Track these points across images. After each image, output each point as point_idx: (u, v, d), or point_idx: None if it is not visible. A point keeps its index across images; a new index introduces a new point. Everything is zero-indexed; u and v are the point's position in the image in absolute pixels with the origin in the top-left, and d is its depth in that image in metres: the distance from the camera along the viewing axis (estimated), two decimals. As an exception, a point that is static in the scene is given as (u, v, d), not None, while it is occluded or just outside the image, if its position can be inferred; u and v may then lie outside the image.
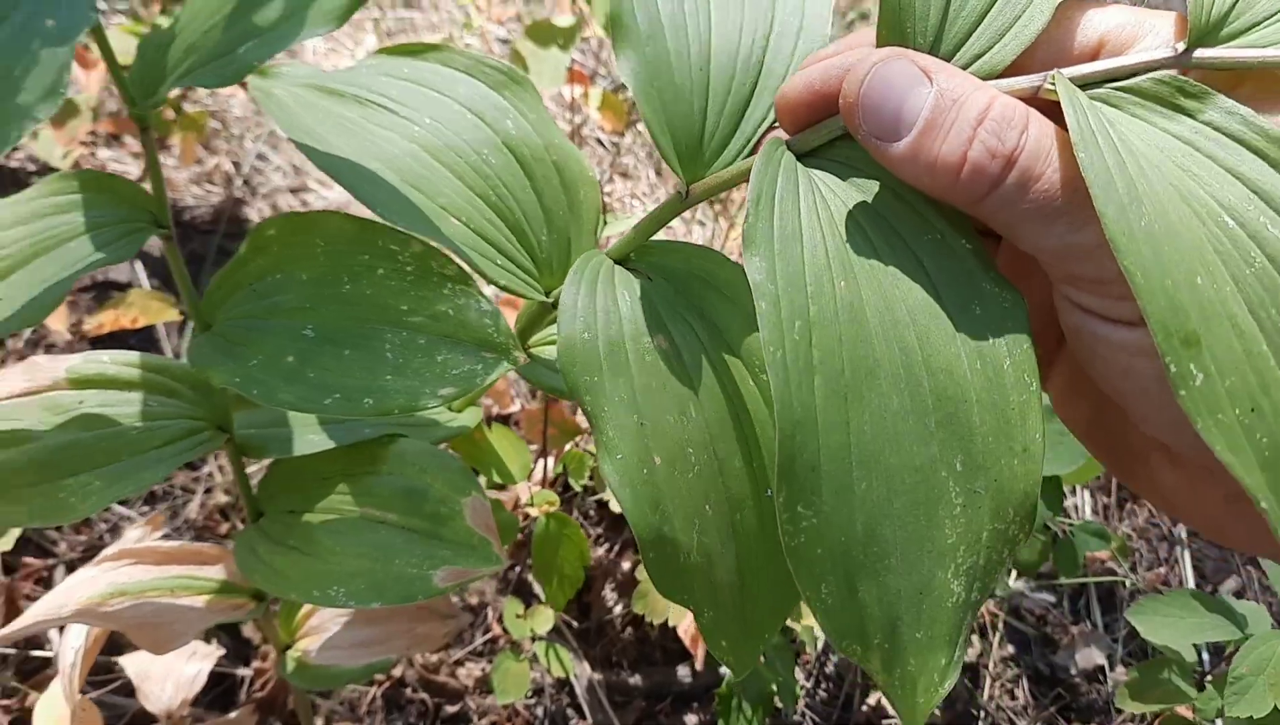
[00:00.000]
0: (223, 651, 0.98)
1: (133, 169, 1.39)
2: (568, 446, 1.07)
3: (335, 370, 0.51)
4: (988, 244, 0.35)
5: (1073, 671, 1.24)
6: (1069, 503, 1.38)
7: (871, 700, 1.16)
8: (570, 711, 1.08)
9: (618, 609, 1.14)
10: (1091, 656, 1.25)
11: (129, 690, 1.00)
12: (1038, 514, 0.32)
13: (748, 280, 0.32)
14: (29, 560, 1.05)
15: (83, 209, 0.49)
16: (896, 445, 0.32)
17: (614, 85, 1.67)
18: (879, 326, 0.32)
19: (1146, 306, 0.28)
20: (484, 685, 1.07)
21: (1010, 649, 1.25)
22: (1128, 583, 1.30)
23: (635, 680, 1.10)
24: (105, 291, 1.23)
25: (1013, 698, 1.21)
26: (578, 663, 1.09)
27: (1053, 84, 0.31)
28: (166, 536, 1.03)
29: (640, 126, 1.58)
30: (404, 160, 0.51)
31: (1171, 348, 0.28)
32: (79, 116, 1.23)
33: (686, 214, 1.52)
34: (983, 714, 1.18)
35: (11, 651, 1.01)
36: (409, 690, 1.06)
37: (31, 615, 0.64)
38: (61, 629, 1.02)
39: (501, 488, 0.99)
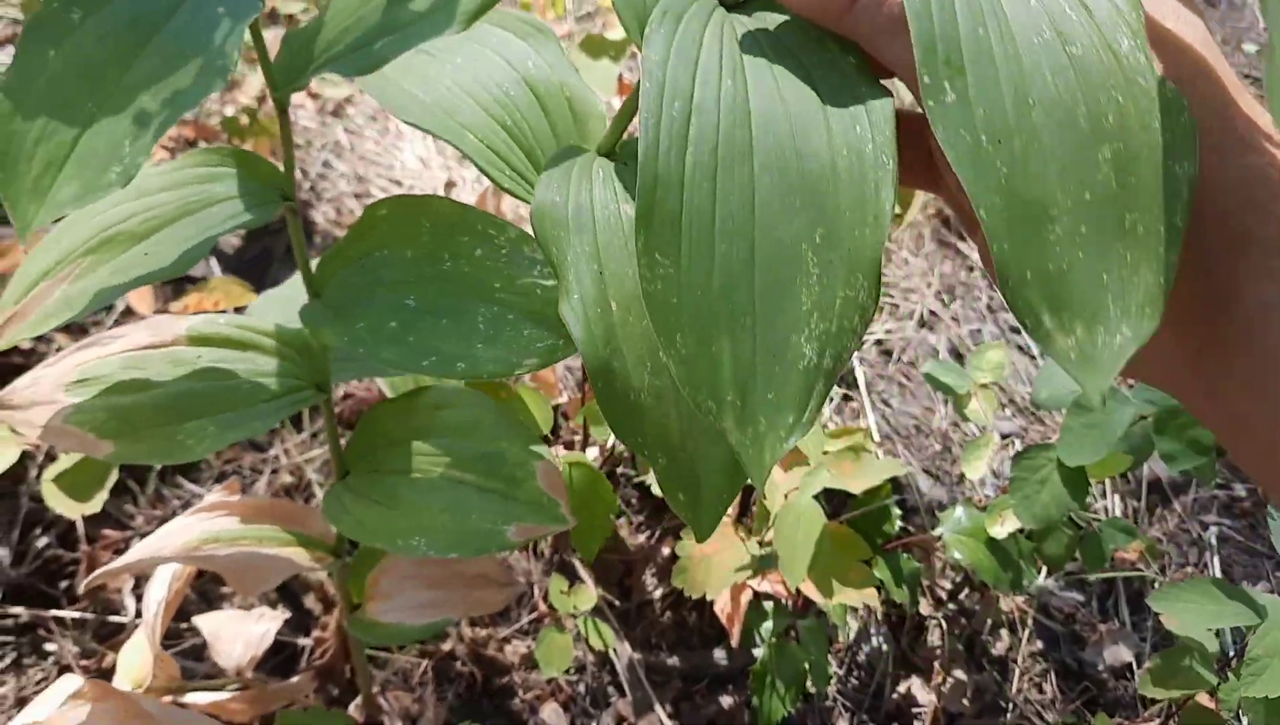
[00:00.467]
0: (288, 615, 1.04)
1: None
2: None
3: (433, 336, 0.57)
4: None
5: (1100, 668, 1.28)
6: (1098, 505, 1.42)
7: (902, 689, 1.21)
8: (611, 689, 1.13)
9: (657, 593, 1.19)
10: (1119, 654, 1.29)
11: (198, 654, 1.06)
12: (880, 287, 0.36)
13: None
14: (108, 532, 1.12)
15: (225, 179, 0.55)
16: (763, 219, 0.35)
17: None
18: (759, 118, 0.36)
19: (912, 27, 0.32)
20: (529, 662, 1.13)
21: (1039, 644, 1.29)
22: (1157, 583, 1.34)
23: (673, 661, 1.16)
24: (182, 284, 1.30)
25: (1040, 691, 1.25)
26: (618, 642, 1.14)
27: None
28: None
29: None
30: (438, 89, 0.58)
31: (931, 65, 0.31)
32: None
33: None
34: (1011, 706, 1.22)
35: (90, 617, 1.08)
36: (459, 664, 1.11)
37: (135, 553, 0.71)
38: (139, 588, 1.09)
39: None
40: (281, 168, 0.56)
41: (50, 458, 1.13)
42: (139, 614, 1.08)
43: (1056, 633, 1.31)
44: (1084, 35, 0.33)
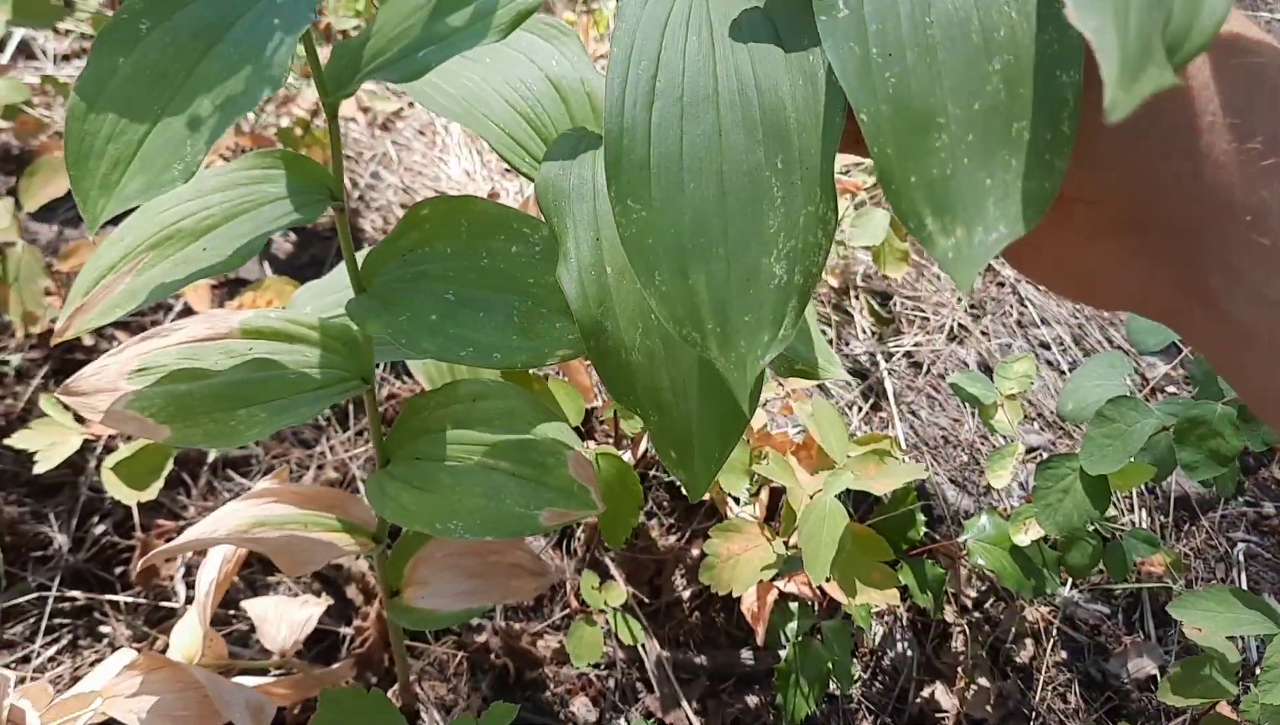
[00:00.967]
0: (330, 602, 1.08)
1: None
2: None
3: (471, 328, 0.61)
4: None
5: (1125, 679, 1.29)
6: (1124, 519, 1.43)
7: (925, 693, 1.23)
8: (639, 685, 1.17)
9: (686, 593, 1.22)
10: (1144, 666, 1.30)
11: (244, 640, 1.11)
12: (836, 198, 0.38)
13: None
14: (162, 522, 1.17)
15: (277, 180, 0.60)
16: (729, 155, 0.37)
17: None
18: (723, 65, 0.38)
19: None
20: (561, 656, 1.16)
21: (1063, 655, 1.31)
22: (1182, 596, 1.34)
23: (701, 660, 1.19)
24: (236, 287, 1.36)
25: (1064, 701, 1.27)
26: (647, 638, 1.17)
27: None
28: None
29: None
30: (465, 85, 0.62)
31: None
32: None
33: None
34: (1034, 714, 1.24)
35: (143, 601, 1.13)
36: (493, 656, 1.15)
37: (190, 534, 0.75)
38: (189, 577, 1.14)
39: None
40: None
41: (109, 449, 1.18)
42: (189, 600, 1.13)
43: (1081, 643, 1.32)
44: None
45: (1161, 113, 0.35)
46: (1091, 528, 1.14)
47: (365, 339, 0.69)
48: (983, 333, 1.64)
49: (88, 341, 1.27)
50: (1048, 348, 1.66)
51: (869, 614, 1.06)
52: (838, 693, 1.20)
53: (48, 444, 1.05)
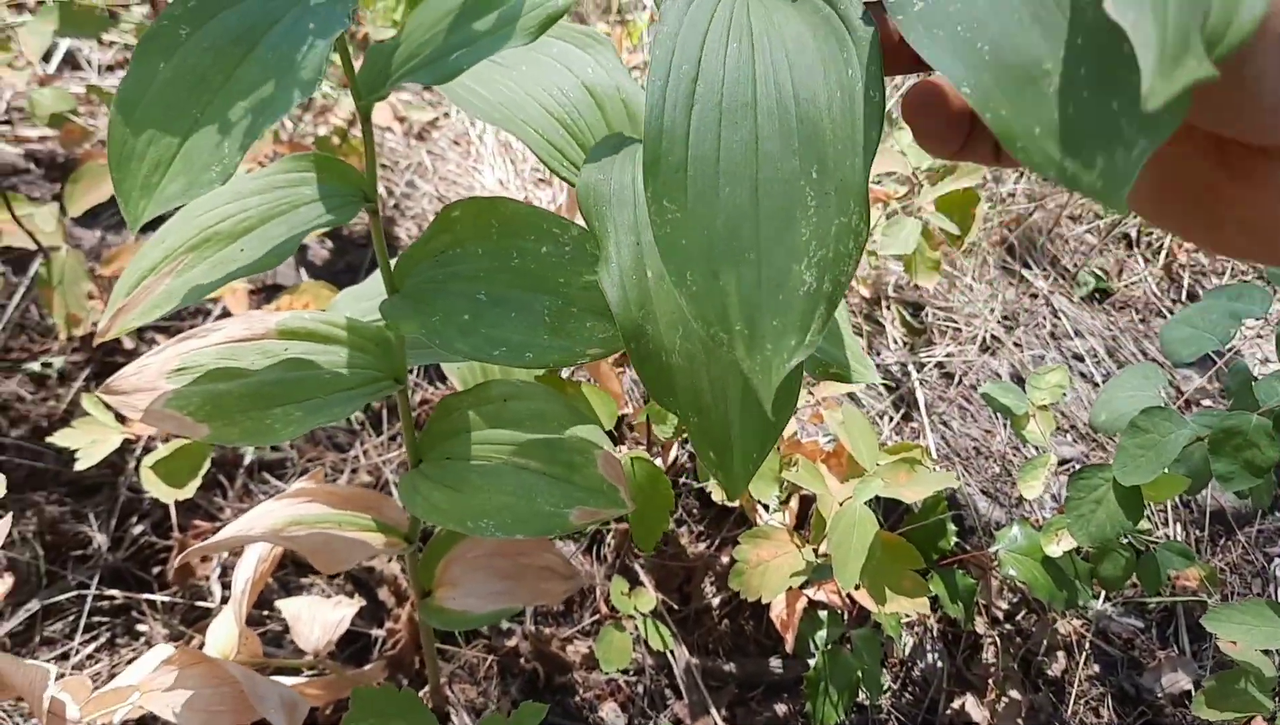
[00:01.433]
0: (363, 603, 1.10)
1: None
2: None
3: (503, 328, 0.62)
4: None
5: (1158, 694, 1.28)
6: (1159, 533, 1.42)
7: (956, 705, 1.22)
8: (668, 692, 1.17)
9: (716, 600, 1.22)
10: (1178, 681, 1.29)
11: (278, 641, 1.12)
12: (869, 211, 0.38)
13: None
14: (198, 522, 1.19)
15: (312, 183, 0.61)
16: (764, 162, 0.38)
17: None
18: (762, 73, 0.39)
19: None
20: (590, 661, 1.17)
21: (1096, 668, 1.29)
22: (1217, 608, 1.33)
23: (730, 668, 1.19)
24: (274, 292, 1.38)
25: (1097, 715, 1.25)
26: (676, 645, 1.17)
27: None
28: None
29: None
30: (503, 91, 0.64)
31: None
32: (263, 139, 1.39)
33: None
34: (1064, 728, 1.23)
35: (179, 601, 1.14)
36: (522, 660, 1.16)
37: (226, 533, 0.76)
38: (225, 577, 1.15)
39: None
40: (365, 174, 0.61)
41: (147, 450, 1.20)
42: (224, 600, 1.15)
43: (1115, 657, 1.31)
44: None
45: None
46: (1125, 540, 1.13)
47: (398, 339, 0.71)
48: (1015, 344, 1.64)
49: (128, 344, 1.29)
50: (1081, 360, 1.65)
51: (899, 623, 1.06)
52: (867, 702, 1.20)
53: (89, 442, 1.07)
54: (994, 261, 1.76)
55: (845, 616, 1.13)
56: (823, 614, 1.12)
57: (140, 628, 1.12)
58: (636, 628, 1.15)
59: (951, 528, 1.18)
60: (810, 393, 1.21)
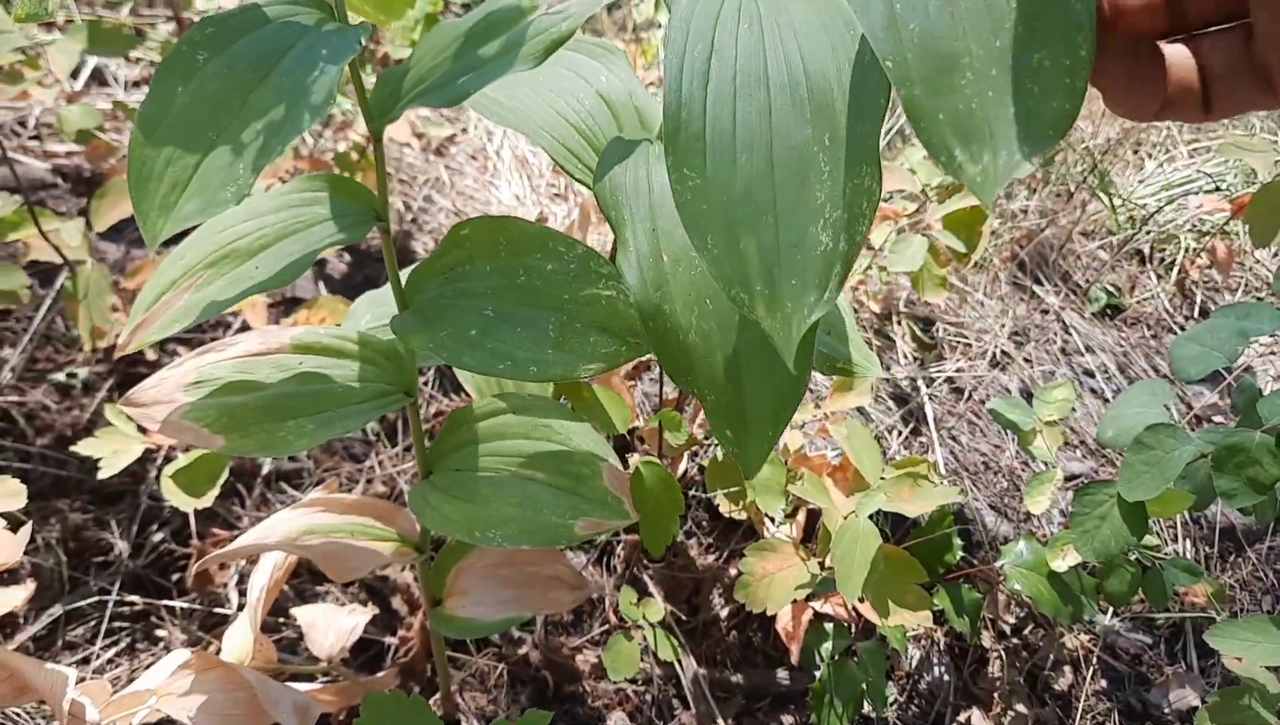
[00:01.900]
0: (376, 611, 1.12)
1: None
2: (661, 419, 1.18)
3: (509, 342, 0.64)
4: None
5: (1166, 710, 1.28)
6: (1168, 549, 1.42)
7: (962, 718, 1.23)
8: (676, 702, 1.18)
9: (724, 612, 1.24)
10: (1185, 697, 1.29)
11: (293, 648, 1.14)
12: (881, 172, 0.41)
13: None
14: (216, 530, 1.21)
15: (326, 202, 0.63)
16: (778, 132, 0.41)
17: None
18: (773, 52, 0.42)
19: None
20: (599, 671, 1.18)
21: (1103, 683, 1.30)
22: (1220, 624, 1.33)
23: (737, 679, 1.20)
24: (293, 305, 1.41)
25: (1102, 730, 1.26)
26: (684, 655, 1.19)
27: None
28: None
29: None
30: (520, 98, 0.67)
31: None
32: (283, 155, 1.42)
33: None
34: (1070, 742, 1.23)
35: (198, 607, 1.17)
36: (532, 669, 1.17)
37: (243, 541, 0.79)
38: (242, 584, 1.17)
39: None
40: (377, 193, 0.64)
41: (168, 460, 1.23)
42: (241, 607, 1.17)
43: (1122, 673, 1.32)
44: None
45: None
46: (1131, 555, 1.13)
47: (408, 354, 0.73)
48: (1025, 360, 1.65)
49: (150, 356, 1.32)
50: (1091, 376, 1.66)
51: (904, 636, 1.07)
52: (872, 715, 1.21)
53: (111, 451, 1.10)
54: (1005, 277, 1.77)
55: (851, 629, 1.14)
56: (829, 626, 1.13)
57: (159, 633, 1.15)
58: (645, 638, 1.16)
59: (958, 542, 1.19)
60: (818, 406, 1.23)
